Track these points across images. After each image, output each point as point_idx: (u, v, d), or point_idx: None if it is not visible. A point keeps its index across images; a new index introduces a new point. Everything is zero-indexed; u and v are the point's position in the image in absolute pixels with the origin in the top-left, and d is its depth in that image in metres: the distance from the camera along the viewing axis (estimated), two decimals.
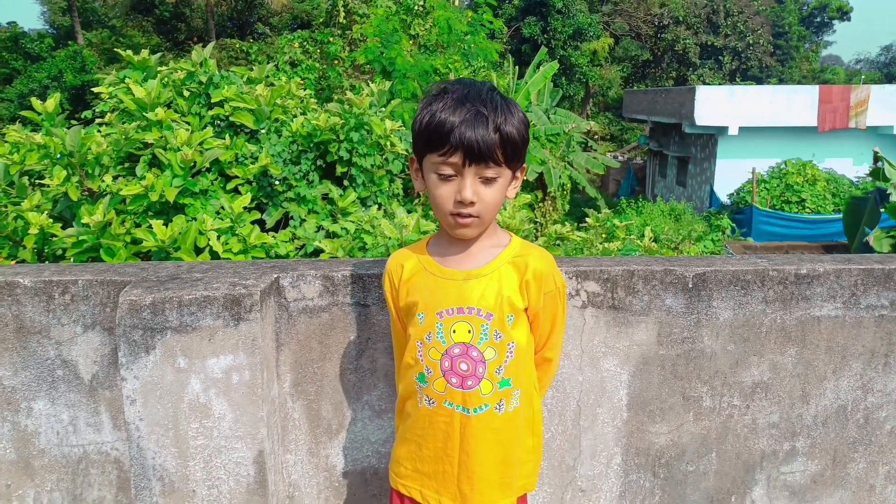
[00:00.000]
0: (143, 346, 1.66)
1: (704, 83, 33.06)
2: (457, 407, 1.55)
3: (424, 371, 1.57)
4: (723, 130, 19.82)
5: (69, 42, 30.78)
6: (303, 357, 1.91)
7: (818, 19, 47.38)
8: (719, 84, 31.31)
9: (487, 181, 1.47)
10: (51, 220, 5.36)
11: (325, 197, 6.66)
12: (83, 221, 5.06)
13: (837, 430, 2.16)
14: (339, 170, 6.59)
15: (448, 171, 1.46)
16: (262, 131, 6.58)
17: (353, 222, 6.30)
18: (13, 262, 4.54)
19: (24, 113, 5.88)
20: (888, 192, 8.01)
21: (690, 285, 2.02)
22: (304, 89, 8.81)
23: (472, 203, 1.46)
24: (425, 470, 1.62)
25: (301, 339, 1.90)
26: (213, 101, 6.49)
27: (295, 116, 6.89)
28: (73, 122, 6.50)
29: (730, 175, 19.99)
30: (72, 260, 5.06)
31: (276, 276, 1.86)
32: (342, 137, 6.61)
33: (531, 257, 1.59)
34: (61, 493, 1.95)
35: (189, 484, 1.74)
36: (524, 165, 1.57)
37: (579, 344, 2.00)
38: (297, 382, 1.92)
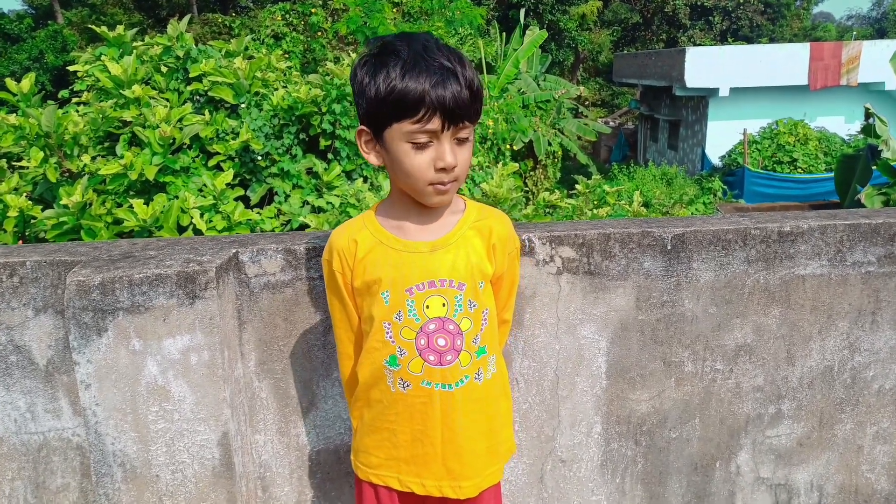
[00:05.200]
0: (94, 329, 1.58)
1: (695, 44, 32.71)
2: (436, 385, 1.47)
3: (396, 353, 1.47)
4: (714, 92, 19.62)
5: (49, 22, 30.23)
6: (267, 335, 1.83)
7: None
8: (710, 45, 30.99)
9: (461, 142, 1.39)
10: (30, 203, 5.25)
11: (310, 171, 6.54)
12: (62, 202, 4.96)
13: (824, 391, 2.11)
14: (323, 143, 6.48)
15: (424, 138, 1.35)
16: (243, 106, 6.44)
17: (338, 196, 6.19)
18: None
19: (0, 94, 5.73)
20: (879, 148, 7.93)
21: (669, 247, 1.95)
22: (289, 62, 8.65)
23: (454, 167, 1.38)
24: (402, 456, 1.53)
25: (265, 317, 1.82)
26: (191, 76, 6.33)
27: (276, 89, 6.74)
28: (51, 102, 6.35)
29: (721, 137, 19.85)
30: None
31: (234, 251, 1.77)
32: (324, 110, 6.48)
33: (493, 220, 1.52)
34: (23, 482, 1.88)
35: (152, 469, 1.68)
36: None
37: (555, 312, 1.93)
38: (263, 361, 1.85)
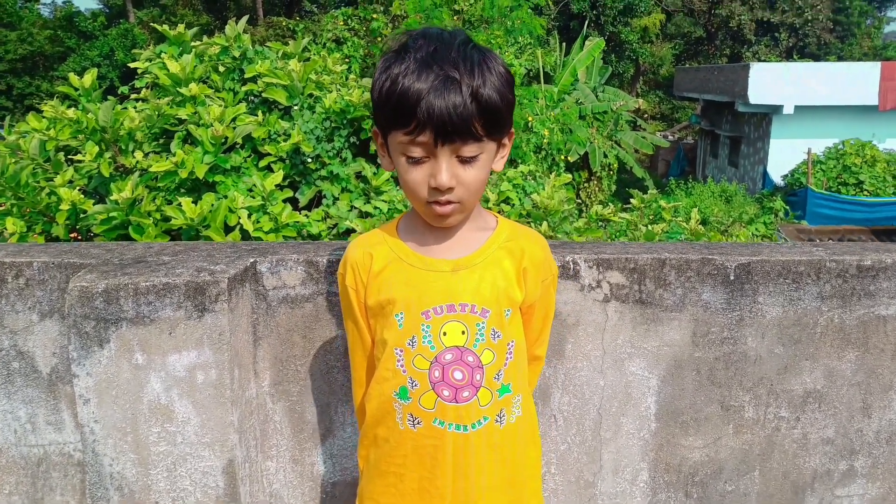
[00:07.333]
0: (95, 339, 1.46)
1: (759, 60, 31.77)
2: (449, 426, 1.29)
3: (407, 384, 1.30)
4: (777, 109, 18.99)
5: (121, 21, 31.22)
6: (284, 353, 1.69)
7: None
8: (775, 62, 30.07)
9: (466, 161, 1.20)
10: (82, 196, 5.29)
11: (359, 175, 6.46)
12: (112, 198, 4.97)
13: None
14: (374, 147, 6.39)
15: (417, 152, 1.19)
16: (296, 108, 6.40)
17: (385, 201, 6.09)
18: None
19: (61, 88, 5.80)
20: None
21: (732, 277, 1.74)
22: (349, 66, 8.60)
23: (450, 189, 1.20)
24: None
25: (282, 333, 1.68)
26: (246, 76, 6.33)
27: (330, 92, 6.70)
28: (112, 98, 6.44)
29: (784, 156, 19.18)
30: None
31: (252, 260, 1.64)
32: None
33: (526, 241, 1.34)
34: (20, 498, 1.78)
35: (151, 495, 1.55)
36: (512, 131, 1.29)
37: (601, 343, 1.74)
38: (278, 381, 1.71)
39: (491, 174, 1.29)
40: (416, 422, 1.31)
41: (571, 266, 1.69)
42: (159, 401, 1.50)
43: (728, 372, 1.79)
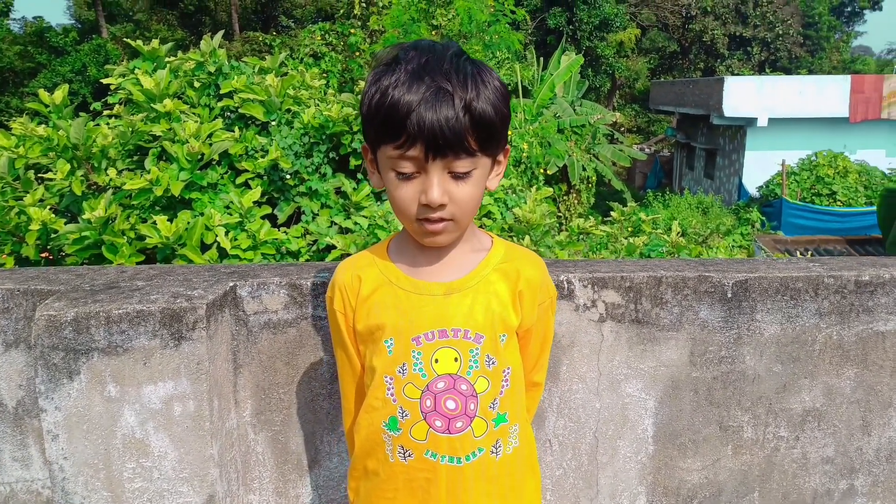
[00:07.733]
0: (65, 371, 1.38)
1: (733, 74, 32.26)
2: (442, 458, 1.22)
3: (397, 414, 1.23)
4: (752, 122, 19.26)
5: (93, 36, 30.87)
6: (266, 381, 1.61)
7: (849, 9, 46.13)
8: (748, 75, 30.52)
9: (459, 176, 1.14)
10: (53, 215, 5.16)
11: (339, 191, 6.39)
12: (85, 217, 4.84)
13: None
14: (353, 163, 6.32)
15: (408, 167, 1.13)
16: (273, 123, 6.32)
17: (366, 217, 6.02)
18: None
19: (31, 104, 5.66)
20: None
21: (729, 295, 1.70)
22: (327, 81, 8.54)
23: (441, 205, 1.14)
24: None
25: (264, 360, 1.60)
26: (222, 92, 6.24)
27: (308, 107, 6.62)
28: (84, 114, 6.30)
29: (759, 167, 19.45)
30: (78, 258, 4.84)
31: (232, 284, 1.56)
32: (355, 129, 6.33)
33: (522, 263, 1.28)
34: None
35: None
36: (507, 147, 1.23)
37: (596, 365, 1.68)
38: (260, 410, 1.63)
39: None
40: (407, 454, 1.24)
41: (566, 285, 1.64)
42: (134, 435, 1.41)
43: (726, 392, 1.74)
